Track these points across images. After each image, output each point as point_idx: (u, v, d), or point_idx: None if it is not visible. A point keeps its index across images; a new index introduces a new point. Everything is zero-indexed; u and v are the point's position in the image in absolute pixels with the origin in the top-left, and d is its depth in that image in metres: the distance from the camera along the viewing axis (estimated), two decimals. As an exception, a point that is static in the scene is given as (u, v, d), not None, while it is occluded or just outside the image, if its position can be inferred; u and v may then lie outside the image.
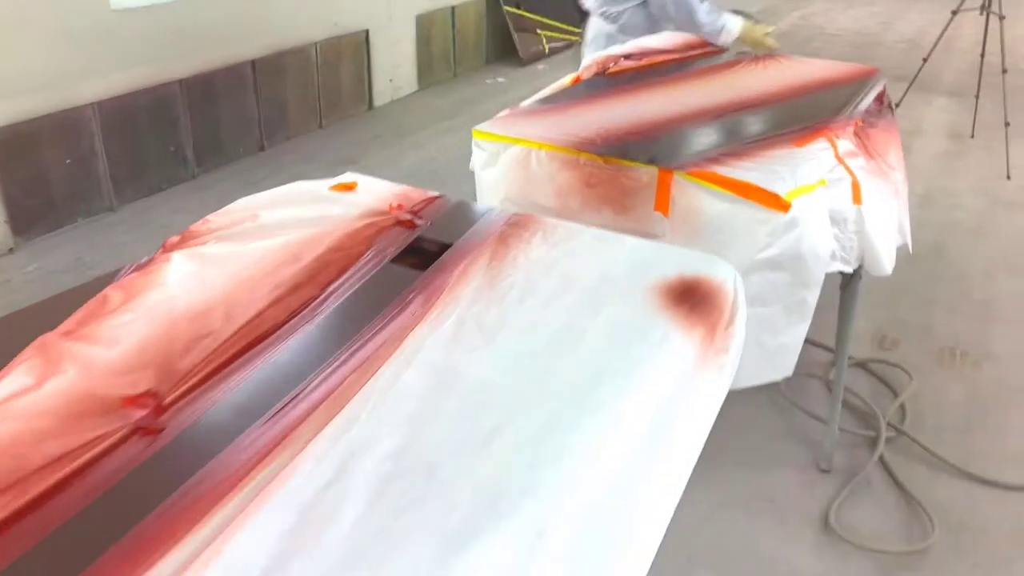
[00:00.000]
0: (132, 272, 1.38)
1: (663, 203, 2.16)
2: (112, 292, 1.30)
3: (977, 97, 5.34)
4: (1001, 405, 2.99)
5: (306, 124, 5.53)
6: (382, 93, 6.09)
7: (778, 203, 2.02)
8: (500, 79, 6.74)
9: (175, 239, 1.50)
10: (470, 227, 1.57)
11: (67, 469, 0.95)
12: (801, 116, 2.57)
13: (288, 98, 5.36)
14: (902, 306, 3.56)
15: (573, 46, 7.55)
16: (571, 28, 7.54)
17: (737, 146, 2.30)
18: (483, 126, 2.37)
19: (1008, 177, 4.80)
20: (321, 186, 1.71)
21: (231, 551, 0.83)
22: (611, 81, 2.88)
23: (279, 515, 0.87)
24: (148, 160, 4.56)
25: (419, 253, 1.49)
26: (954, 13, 5.09)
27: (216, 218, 1.56)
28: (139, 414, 1.04)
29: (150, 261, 1.41)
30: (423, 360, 1.14)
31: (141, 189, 4.54)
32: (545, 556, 0.88)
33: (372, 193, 1.69)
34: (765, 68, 3.08)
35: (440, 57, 6.61)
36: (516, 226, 1.56)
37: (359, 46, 5.84)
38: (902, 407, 2.94)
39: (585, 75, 3.04)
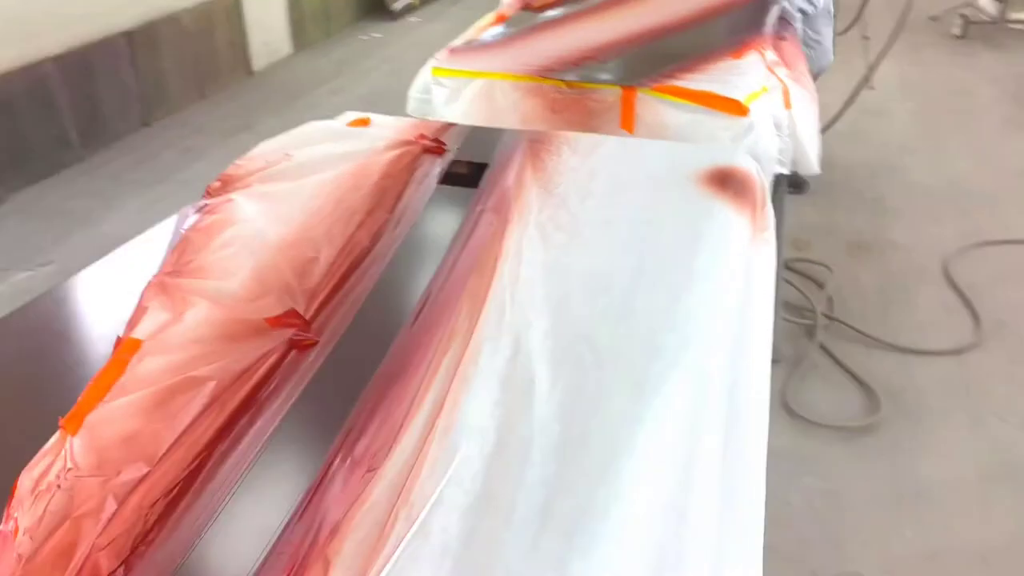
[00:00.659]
0: (196, 215, 1.38)
1: (628, 121, 2.29)
2: (193, 235, 1.31)
3: (834, 16, 5.73)
4: (909, 284, 3.33)
5: (187, 95, 5.33)
6: (259, 57, 5.92)
7: (738, 108, 2.18)
8: (375, 35, 6.67)
9: (217, 184, 1.51)
10: (495, 147, 1.64)
11: (250, 383, 0.99)
12: (727, 32, 2.74)
13: (166, 69, 5.14)
14: (807, 211, 3.86)
15: (441, -2, 7.55)
16: (439, -21, 7.52)
17: (683, 62, 2.44)
18: (441, 63, 2.42)
19: (872, 87, 5.20)
20: (336, 124, 1.74)
21: (460, 419, 0.90)
22: (541, 14, 2.96)
23: (485, 387, 0.95)
24: (31, 146, 4.30)
25: (460, 173, 1.56)
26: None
27: (247, 162, 1.57)
28: (289, 332, 1.08)
29: (208, 207, 1.41)
30: (528, 259, 1.23)
31: (28, 177, 4.29)
32: (713, 384, 1.00)
33: (387, 127, 1.73)
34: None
35: (312, 16, 6.47)
36: (539, 142, 1.65)
37: (230, 10, 5.65)
38: (829, 297, 3.22)
39: (509, 12, 3.10)
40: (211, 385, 0.97)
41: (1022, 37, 5.95)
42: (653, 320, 1.09)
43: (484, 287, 1.15)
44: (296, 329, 1.09)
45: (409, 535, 0.76)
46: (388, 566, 0.74)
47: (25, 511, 0.81)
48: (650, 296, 1.14)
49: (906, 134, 4.67)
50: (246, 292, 1.15)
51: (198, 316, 1.09)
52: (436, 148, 1.63)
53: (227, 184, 1.50)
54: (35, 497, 0.83)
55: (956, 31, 5.91)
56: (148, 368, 1.00)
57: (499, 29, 2.78)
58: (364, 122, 1.74)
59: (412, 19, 7.03)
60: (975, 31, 5.91)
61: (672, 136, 2.26)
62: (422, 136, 1.67)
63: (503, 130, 1.73)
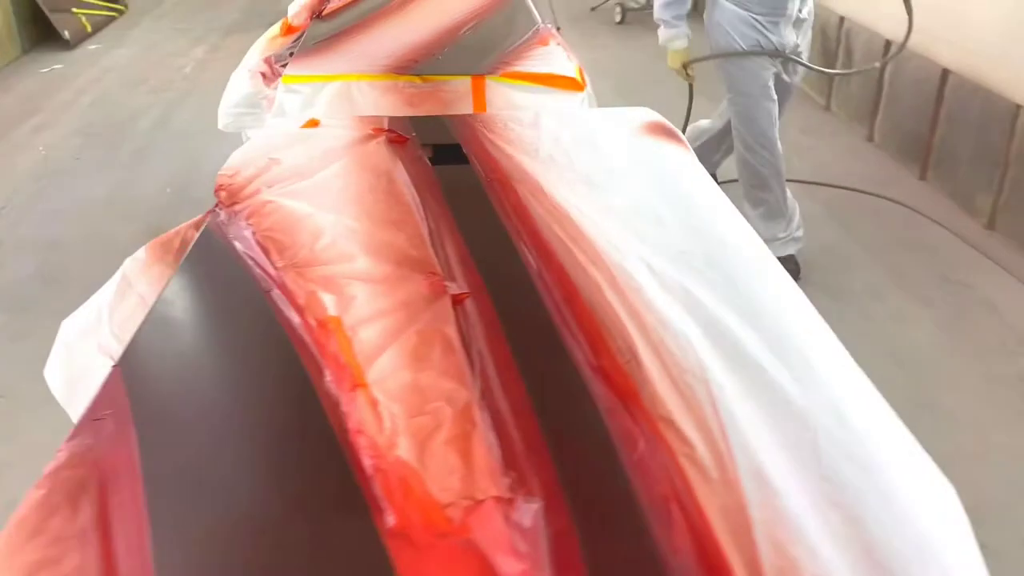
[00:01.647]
0: (243, 223, 1.42)
1: (480, 106, 2.53)
2: (272, 235, 1.36)
3: None
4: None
5: None
6: (-72, 103, 5.22)
7: (576, 85, 2.54)
8: (56, 66, 6.13)
9: (224, 195, 1.54)
10: (446, 132, 1.83)
11: (456, 331, 1.13)
12: (517, 25, 3.09)
13: None
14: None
15: (116, 19, 7.10)
16: (108, 3, 7.07)
17: (506, 52, 2.74)
18: (292, 71, 2.49)
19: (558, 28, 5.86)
20: (289, 127, 1.81)
21: (664, 318, 1.13)
22: (342, 19, 3.08)
23: (659, 295, 1.19)
24: None
25: (439, 155, 1.72)
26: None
27: (236, 172, 1.60)
28: (446, 290, 1.22)
29: (250, 212, 1.45)
30: (581, 207, 1.45)
31: None
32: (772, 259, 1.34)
33: (337, 126, 1.84)
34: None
35: (-24, 53, 5.80)
36: (484, 122, 1.86)
37: None
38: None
39: (297, 21, 3.18)
40: (446, 332, 1.10)
41: (668, 18, 7.01)
42: (707, 229, 1.40)
43: (575, 229, 1.37)
44: (448, 287, 1.23)
45: (714, 392, 0.99)
46: (721, 412, 0.96)
47: (394, 454, 0.91)
48: (691, 213, 1.44)
49: (616, 104, 5.36)
50: (378, 269, 1.26)
51: (363, 292, 1.19)
52: (398, 139, 1.77)
53: (235, 192, 1.54)
54: (388, 443, 0.93)
55: (617, 18, 6.82)
56: (369, 335, 1.10)
57: (316, 36, 2.87)
58: (315, 123, 1.83)
59: (92, 47, 6.55)
60: (631, 17, 6.87)
61: (521, 115, 2.55)
62: (377, 130, 1.81)
63: (442, 117, 1.92)
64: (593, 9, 7.05)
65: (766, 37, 3.08)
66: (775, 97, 3.15)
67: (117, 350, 1.54)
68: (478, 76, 2.51)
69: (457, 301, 1.21)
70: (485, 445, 0.93)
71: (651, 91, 5.52)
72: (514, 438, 0.95)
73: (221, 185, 1.57)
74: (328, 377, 1.06)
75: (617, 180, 1.58)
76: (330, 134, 1.77)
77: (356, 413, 0.98)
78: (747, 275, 1.27)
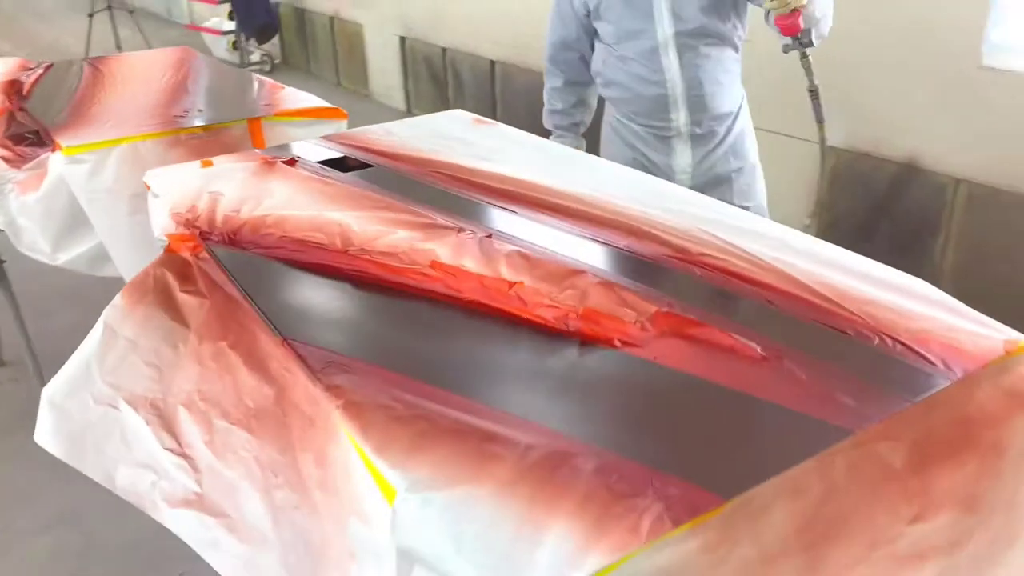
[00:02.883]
0: (233, 240, 1.63)
1: (260, 144, 2.78)
2: (307, 234, 1.59)
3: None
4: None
5: None
6: None
7: (340, 114, 2.90)
8: None
9: (202, 228, 1.70)
10: (331, 148, 2.14)
11: (520, 248, 1.53)
12: (232, 76, 3.33)
13: None
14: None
15: None
16: None
17: (258, 97, 3.00)
18: (70, 142, 2.50)
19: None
20: (190, 167, 1.96)
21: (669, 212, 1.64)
22: (47, 94, 3.06)
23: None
24: None
25: (344, 167, 2.03)
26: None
27: (190, 209, 1.75)
28: (476, 234, 1.59)
29: (241, 229, 1.65)
30: (511, 172, 1.89)
31: None
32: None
33: (229, 160, 2.03)
34: (125, 60, 3.58)
35: None
36: (349, 138, 2.20)
37: None
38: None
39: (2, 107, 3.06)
40: (520, 251, 1.49)
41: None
42: (617, 172, 1.95)
43: (524, 183, 1.81)
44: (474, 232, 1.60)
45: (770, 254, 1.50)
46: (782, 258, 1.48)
47: (580, 308, 1.31)
48: (590, 166, 1.98)
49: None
50: (420, 234, 1.57)
51: (434, 246, 1.52)
52: (290, 161, 2.03)
53: (211, 221, 1.71)
54: (568, 307, 1.32)
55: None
56: (472, 265, 1.45)
57: (55, 111, 2.85)
58: (209, 163, 1.99)
59: None
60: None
61: (297, 146, 2.83)
62: (265, 158, 2.04)
63: (306, 141, 2.20)
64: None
65: (649, 159, 2.52)
66: None
67: (113, 397, 1.63)
68: (253, 119, 2.75)
69: (488, 238, 1.60)
70: (625, 291, 1.37)
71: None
72: (630, 286, 1.39)
73: (188, 220, 1.72)
74: (464, 294, 1.40)
75: (510, 155, 2.02)
76: (234, 167, 1.96)
77: (529, 298, 1.35)
78: (684, 196, 1.82)
